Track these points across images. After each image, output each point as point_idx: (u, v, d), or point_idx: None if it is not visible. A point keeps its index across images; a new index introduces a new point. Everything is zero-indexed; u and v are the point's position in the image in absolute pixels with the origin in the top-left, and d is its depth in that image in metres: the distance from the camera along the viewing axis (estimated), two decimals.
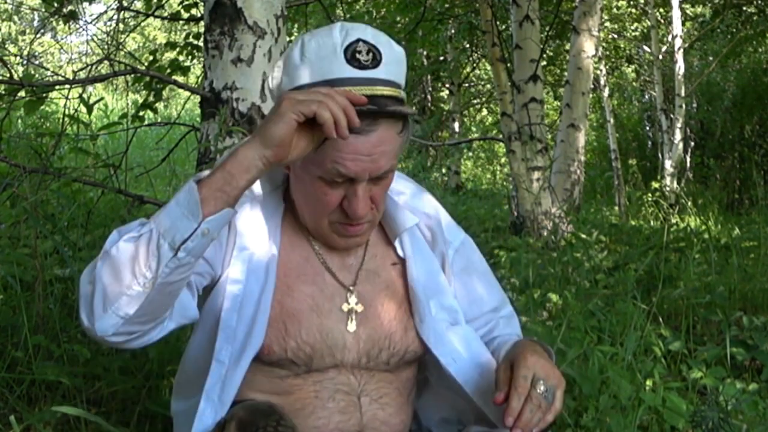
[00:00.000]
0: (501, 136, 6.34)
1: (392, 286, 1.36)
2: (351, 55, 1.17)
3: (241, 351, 1.24)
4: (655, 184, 9.74)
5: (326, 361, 1.28)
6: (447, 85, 13.85)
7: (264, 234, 1.29)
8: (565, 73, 6.96)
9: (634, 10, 11.95)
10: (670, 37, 10.63)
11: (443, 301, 1.37)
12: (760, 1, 10.44)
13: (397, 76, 1.21)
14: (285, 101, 1.10)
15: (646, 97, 13.89)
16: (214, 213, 1.08)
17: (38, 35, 12.18)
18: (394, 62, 1.20)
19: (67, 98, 3.11)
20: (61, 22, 4.84)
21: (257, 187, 1.31)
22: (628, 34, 12.53)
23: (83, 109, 2.90)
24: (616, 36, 12.40)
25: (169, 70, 3.91)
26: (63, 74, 5.20)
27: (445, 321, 1.36)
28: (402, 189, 1.41)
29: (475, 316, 1.44)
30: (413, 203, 1.41)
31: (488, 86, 10.31)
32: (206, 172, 1.14)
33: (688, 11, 11.91)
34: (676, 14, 10.02)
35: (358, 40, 1.17)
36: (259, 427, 1.03)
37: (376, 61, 1.18)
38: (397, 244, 1.37)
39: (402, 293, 1.35)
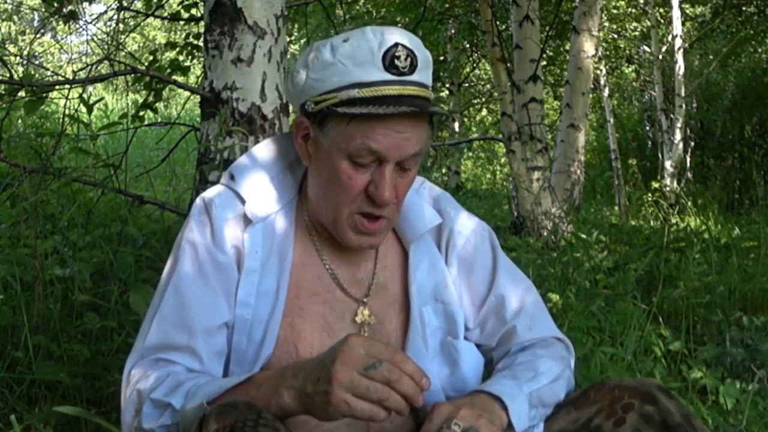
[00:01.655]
0: (501, 136, 6.34)
1: (399, 299, 1.33)
2: (390, 61, 1.16)
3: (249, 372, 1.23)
4: (655, 184, 9.74)
5: None
6: (447, 85, 13.86)
7: (275, 256, 1.28)
8: (565, 73, 6.96)
9: (634, 10, 11.95)
10: (670, 37, 10.63)
11: (445, 308, 1.33)
12: (759, 1, 10.44)
13: (428, 78, 1.22)
14: (337, 386, 1.01)
15: (646, 97, 13.89)
16: None
17: (38, 35, 12.17)
18: (426, 66, 1.20)
19: (67, 98, 3.11)
20: (61, 22, 4.83)
21: (269, 205, 1.29)
22: (628, 34, 12.53)
23: (83, 109, 2.90)
24: (616, 36, 12.40)
25: (169, 70, 3.91)
26: (63, 74, 5.20)
27: (441, 330, 1.32)
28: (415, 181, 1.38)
29: (479, 318, 1.36)
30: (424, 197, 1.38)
31: (488, 86, 10.30)
32: (227, 381, 1.13)
33: (688, 11, 11.91)
34: (676, 14, 10.02)
35: (396, 45, 1.16)
36: (238, 420, 1.01)
37: (413, 67, 1.17)
38: (411, 250, 1.33)
39: (408, 305, 1.32)
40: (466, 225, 1.40)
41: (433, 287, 1.33)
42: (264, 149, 1.35)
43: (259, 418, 1.02)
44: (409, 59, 1.17)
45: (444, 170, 13.23)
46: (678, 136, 10.09)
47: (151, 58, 3.91)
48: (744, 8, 10.80)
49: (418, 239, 1.34)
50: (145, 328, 1.26)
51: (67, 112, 3.03)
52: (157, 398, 1.15)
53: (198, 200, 1.31)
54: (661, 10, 11.36)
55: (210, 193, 1.31)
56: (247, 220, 1.27)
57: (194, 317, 1.23)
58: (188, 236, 1.28)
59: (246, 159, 1.34)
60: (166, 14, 4.51)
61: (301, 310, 1.28)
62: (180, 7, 4.22)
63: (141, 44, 17.68)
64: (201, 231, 1.27)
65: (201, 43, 3.23)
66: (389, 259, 1.36)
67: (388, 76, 1.16)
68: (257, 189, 1.29)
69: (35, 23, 20.05)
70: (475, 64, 13.03)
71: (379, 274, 1.34)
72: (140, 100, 4.00)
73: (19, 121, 5.53)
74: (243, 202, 1.28)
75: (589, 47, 6.27)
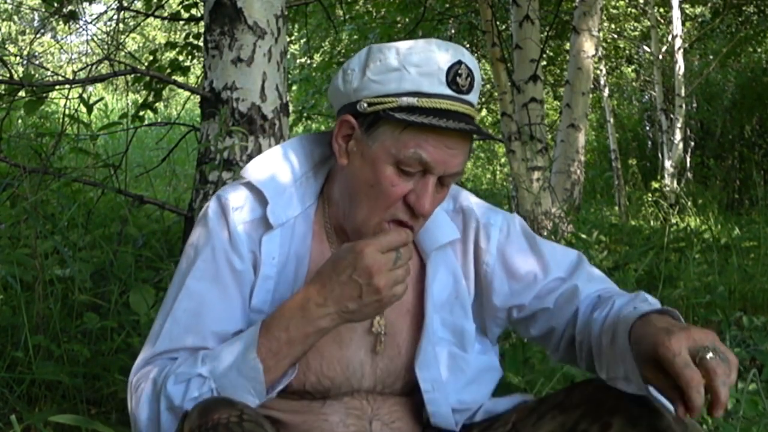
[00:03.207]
0: (501, 136, 6.34)
1: (411, 310, 1.32)
2: (452, 77, 1.17)
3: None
4: (655, 184, 9.74)
5: (342, 389, 1.26)
6: None
7: (291, 263, 1.26)
8: (565, 73, 6.96)
9: (633, 10, 11.95)
10: (670, 37, 10.63)
11: (453, 320, 1.32)
12: (759, 1, 10.44)
13: (476, 98, 1.24)
14: (385, 291, 1.11)
15: (646, 97, 13.89)
16: (276, 378, 1.15)
17: (38, 35, 12.16)
18: (478, 88, 1.23)
19: (67, 98, 3.11)
20: (61, 22, 4.84)
21: (291, 209, 1.27)
22: (627, 34, 12.53)
23: (83, 109, 2.90)
24: (616, 36, 12.40)
25: (169, 70, 3.91)
26: (63, 74, 5.20)
27: (447, 341, 1.31)
28: None
29: (540, 294, 1.33)
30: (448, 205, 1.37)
31: (488, 86, 10.30)
32: (246, 337, 1.15)
33: (688, 11, 11.91)
34: (675, 14, 10.02)
35: (460, 62, 1.18)
36: (222, 416, 1.01)
37: (470, 87, 1.20)
38: (430, 260, 1.32)
39: (421, 315, 1.31)
40: (495, 216, 1.38)
41: (446, 299, 1.32)
42: (292, 148, 1.32)
43: (243, 414, 1.03)
44: (469, 78, 1.19)
45: None
46: (678, 136, 10.09)
47: (151, 58, 3.92)
48: (744, 8, 10.81)
49: (437, 250, 1.33)
50: (155, 333, 1.23)
51: (67, 112, 3.03)
52: (181, 371, 1.14)
53: (214, 200, 1.28)
54: (661, 10, 11.36)
55: (228, 193, 1.27)
56: (266, 224, 1.25)
57: (209, 323, 1.21)
58: (205, 238, 1.25)
59: (273, 156, 1.31)
60: (166, 14, 4.51)
61: None
62: (180, 7, 4.22)
63: (141, 44, 17.67)
64: (218, 234, 1.24)
65: (201, 43, 3.23)
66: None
67: (448, 92, 1.17)
68: (281, 191, 1.26)
69: (35, 23, 20.05)
70: None
71: None
72: (140, 100, 4.00)
73: (19, 121, 5.53)
74: (264, 203, 1.25)
75: (589, 47, 6.27)
